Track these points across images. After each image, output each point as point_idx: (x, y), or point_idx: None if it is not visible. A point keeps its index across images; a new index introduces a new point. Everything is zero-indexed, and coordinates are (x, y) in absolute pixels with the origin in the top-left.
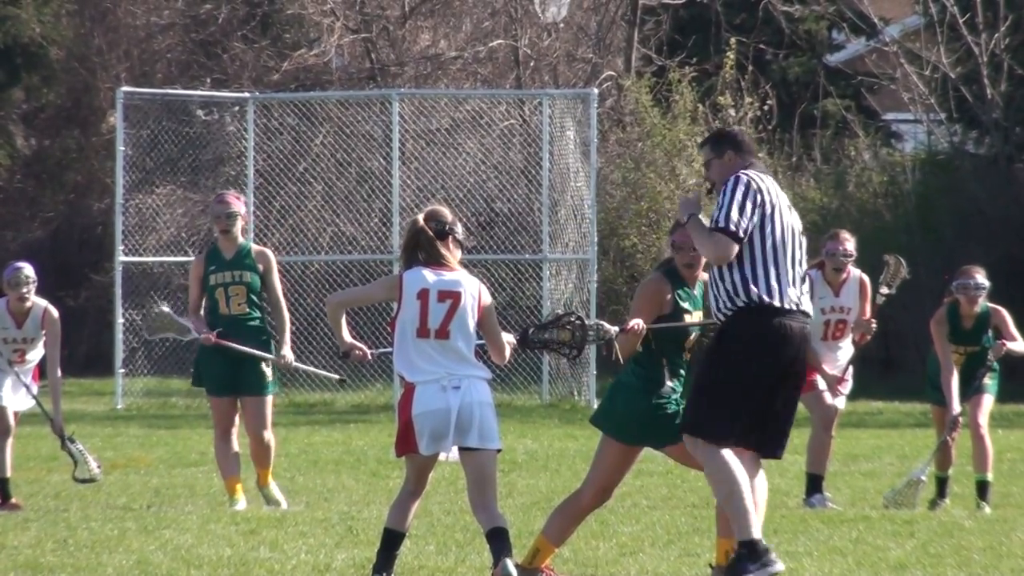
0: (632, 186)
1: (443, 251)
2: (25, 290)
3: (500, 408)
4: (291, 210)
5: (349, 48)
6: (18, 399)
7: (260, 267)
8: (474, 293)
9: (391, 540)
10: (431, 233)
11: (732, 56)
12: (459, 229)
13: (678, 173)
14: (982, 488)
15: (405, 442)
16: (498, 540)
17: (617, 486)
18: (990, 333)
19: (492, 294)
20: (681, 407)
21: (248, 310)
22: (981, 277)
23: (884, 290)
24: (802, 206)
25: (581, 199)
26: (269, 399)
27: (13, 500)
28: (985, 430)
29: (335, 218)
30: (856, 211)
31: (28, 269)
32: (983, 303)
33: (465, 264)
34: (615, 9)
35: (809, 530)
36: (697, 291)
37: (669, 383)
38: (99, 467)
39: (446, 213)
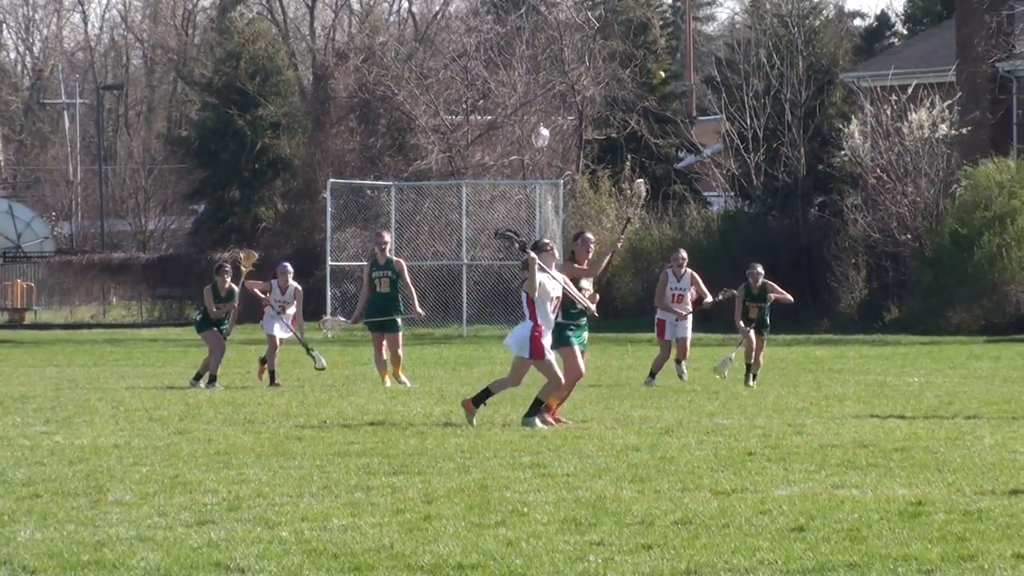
0: (577, 229)
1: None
2: (287, 276)
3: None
4: (411, 239)
5: (443, 159)
6: (281, 331)
7: (396, 268)
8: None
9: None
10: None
11: (628, 164)
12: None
13: (602, 223)
14: (749, 370)
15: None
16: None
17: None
18: (769, 297)
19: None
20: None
21: (389, 290)
22: (760, 268)
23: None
24: (664, 238)
25: (555, 236)
26: (400, 334)
27: (277, 381)
28: (762, 346)
29: (434, 243)
30: (689, 240)
31: (288, 266)
32: (762, 281)
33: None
34: (570, 141)
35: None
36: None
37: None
38: (325, 363)
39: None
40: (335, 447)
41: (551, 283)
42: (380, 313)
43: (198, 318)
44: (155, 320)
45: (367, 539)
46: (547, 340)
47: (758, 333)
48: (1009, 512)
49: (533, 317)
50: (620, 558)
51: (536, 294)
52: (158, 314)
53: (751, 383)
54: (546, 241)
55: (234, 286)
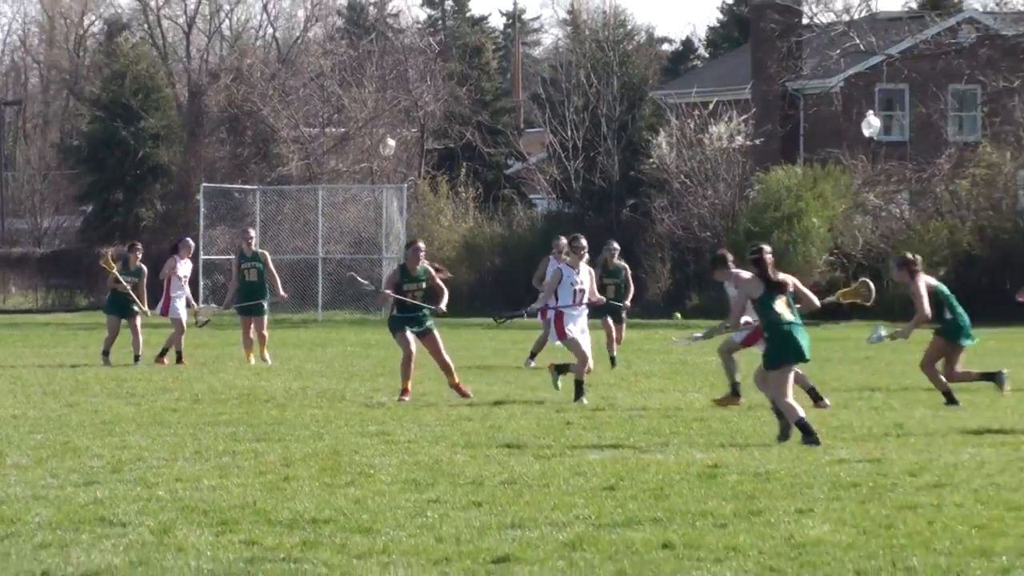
0: (419, 227)
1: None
2: (190, 250)
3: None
4: (273, 236)
5: (302, 166)
6: (184, 312)
7: (262, 259)
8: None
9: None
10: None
11: (464, 171)
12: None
13: (440, 223)
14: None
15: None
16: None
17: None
18: (621, 274)
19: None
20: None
21: (257, 279)
22: (616, 245)
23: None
24: (495, 235)
25: (399, 235)
26: (265, 318)
27: (184, 360)
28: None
29: (294, 240)
30: (516, 238)
31: (190, 240)
32: (617, 259)
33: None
34: (413, 150)
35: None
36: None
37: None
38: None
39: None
40: (206, 417)
41: (578, 276)
42: (249, 299)
43: (107, 301)
44: (48, 306)
45: (233, 497)
46: (570, 324)
47: (616, 321)
48: (793, 474)
49: (553, 307)
50: (454, 514)
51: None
52: (51, 301)
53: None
54: (581, 242)
55: (142, 265)
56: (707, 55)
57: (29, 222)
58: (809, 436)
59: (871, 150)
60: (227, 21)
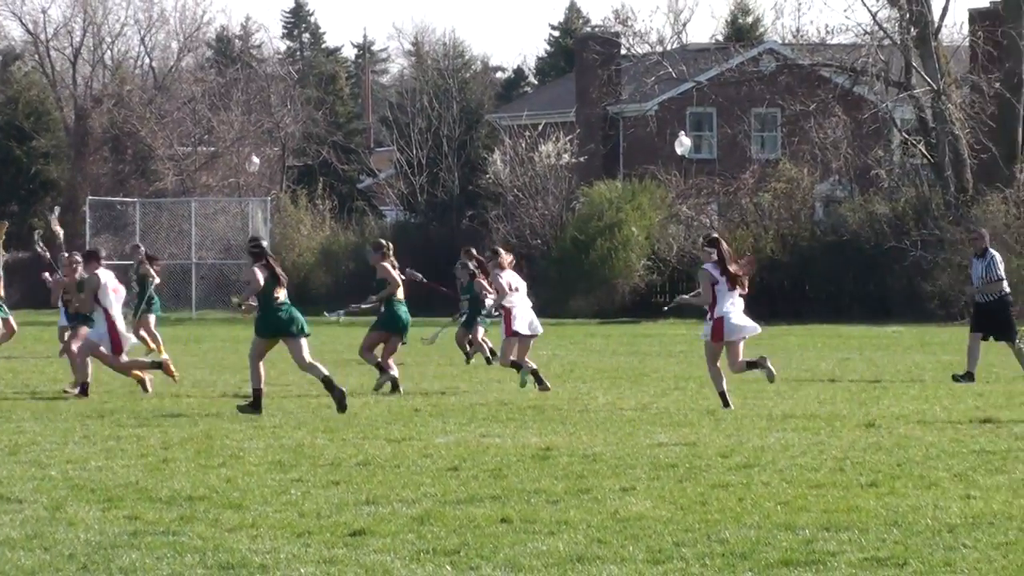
0: (282, 236)
1: None
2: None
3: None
4: (151, 244)
5: (176, 181)
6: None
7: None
8: None
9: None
10: None
11: (320, 185)
12: None
13: (300, 231)
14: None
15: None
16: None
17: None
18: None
19: None
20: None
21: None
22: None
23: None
24: (349, 243)
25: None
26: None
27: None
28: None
29: (170, 246)
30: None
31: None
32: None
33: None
34: (276, 167)
35: None
36: None
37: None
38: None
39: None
40: (92, 406)
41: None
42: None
43: None
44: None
45: (118, 477)
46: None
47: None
48: (617, 456)
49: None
50: (315, 492)
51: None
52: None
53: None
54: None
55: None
56: (536, 82)
57: None
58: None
59: (683, 167)
60: (108, 52)
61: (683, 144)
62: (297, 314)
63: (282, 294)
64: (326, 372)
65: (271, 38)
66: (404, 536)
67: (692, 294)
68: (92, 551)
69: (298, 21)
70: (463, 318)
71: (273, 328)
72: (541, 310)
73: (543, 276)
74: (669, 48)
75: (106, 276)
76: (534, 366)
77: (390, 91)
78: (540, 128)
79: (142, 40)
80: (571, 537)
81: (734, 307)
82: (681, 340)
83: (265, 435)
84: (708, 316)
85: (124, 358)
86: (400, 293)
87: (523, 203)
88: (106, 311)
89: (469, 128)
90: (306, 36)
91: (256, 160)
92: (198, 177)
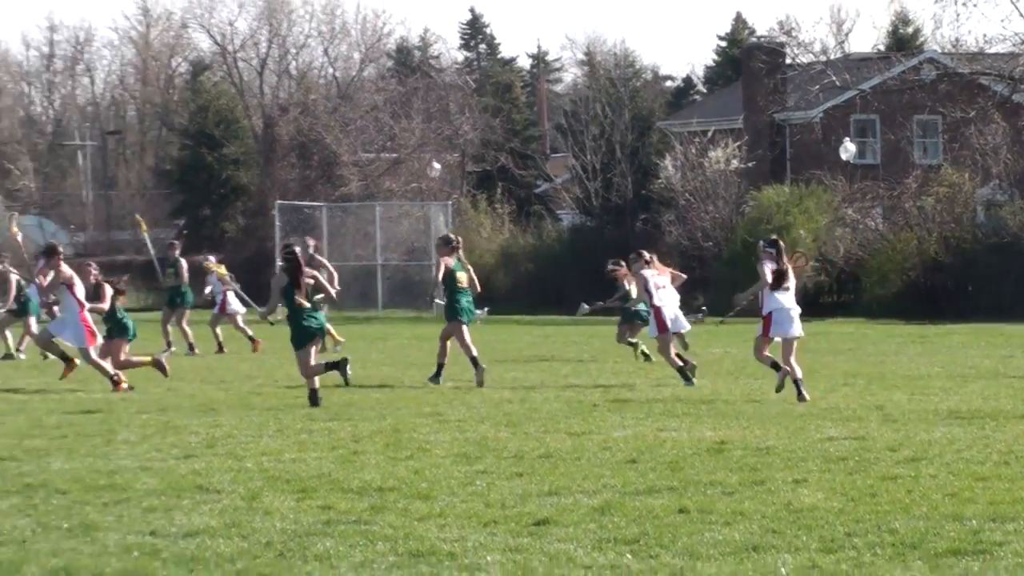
0: (463, 238)
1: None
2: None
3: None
4: (338, 246)
5: (361, 186)
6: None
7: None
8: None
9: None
10: None
11: (499, 190)
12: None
13: (480, 234)
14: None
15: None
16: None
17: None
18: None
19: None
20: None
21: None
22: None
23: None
24: (527, 245)
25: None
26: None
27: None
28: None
29: (355, 249)
30: (545, 248)
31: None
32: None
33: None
34: (456, 172)
35: None
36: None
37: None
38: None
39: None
40: (285, 400)
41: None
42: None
43: None
44: (148, 306)
45: (310, 468)
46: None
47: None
48: (789, 449)
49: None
50: (499, 483)
51: None
52: (151, 302)
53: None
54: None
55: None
56: (705, 90)
57: (130, 234)
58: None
59: (848, 172)
60: (294, 63)
61: (847, 150)
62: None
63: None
64: (317, 385)
65: (449, 49)
66: (586, 525)
67: (749, 291)
68: (288, 539)
69: (475, 32)
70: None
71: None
72: (713, 309)
73: (714, 277)
74: (832, 57)
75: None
76: (694, 363)
77: (564, 99)
78: (709, 135)
79: (325, 51)
80: (746, 527)
81: (784, 304)
82: (849, 338)
83: (451, 429)
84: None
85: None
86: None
87: (694, 207)
88: (81, 304)
89: (641, 135)
90: (483, 47)
91: (437, 166)
92: (382, 182)
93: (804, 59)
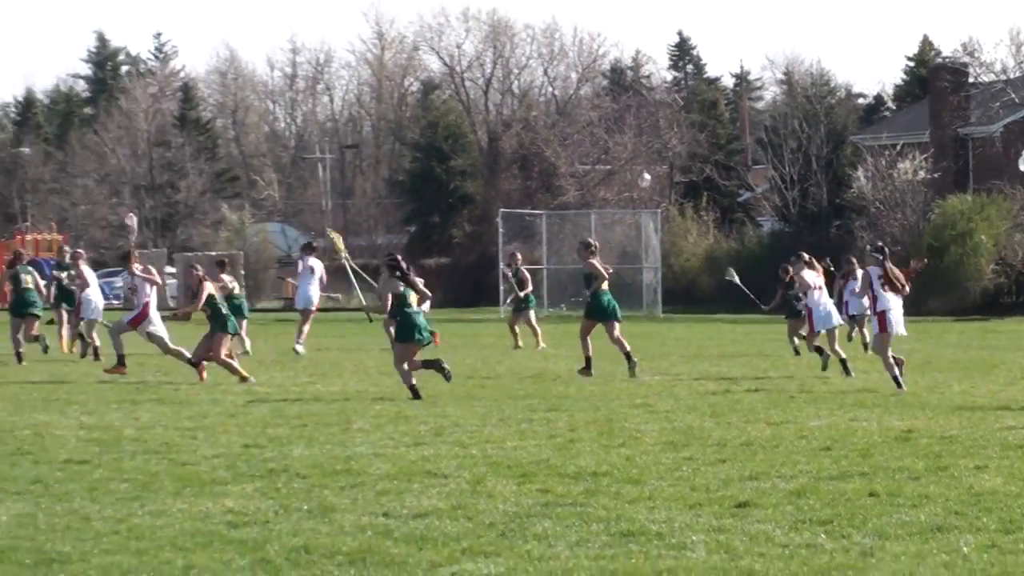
0: (671, 243)
1: None
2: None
3: None
4: (556, 251)
5: (577, 196)
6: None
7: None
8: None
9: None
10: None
11: (704, 199)
12: None
13: (687, 239)
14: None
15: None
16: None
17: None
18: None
19: None
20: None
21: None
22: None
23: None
24: (730, 249)
25: (655, 250)
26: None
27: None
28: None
29: (572, 254)
30: (747, 252)
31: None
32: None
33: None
34: (664, 183)
35: None
36: None
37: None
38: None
39: None
40: (507, 392)
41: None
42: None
43: None
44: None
45: (530, 455)
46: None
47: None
48: (971, 437)
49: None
50: (704, 468)
51: None
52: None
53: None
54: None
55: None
56: (894, 107)
57: (366, 239)
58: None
59: None
60: (516, 82)
61: None
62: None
63: (415, 301)
64: (413, 381)
65: (659, 69)
66: (783, 508)
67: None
68: (509, 520)
69: (682, 54)
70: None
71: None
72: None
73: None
74: (1012, 76)
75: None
76: (842, 355)
77: (764, 115)
78: (898, 148)
79: (545, 71)
80: (931, 509)
81: (895, 305)
82: None
83: (659, 419)
84: (872, 312)
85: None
86: (605, 285)
87: (884, 214)
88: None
89: (835, 148)
90: (690, 67)
91: (647, 177)
92: (597, 192)
93: (986, 78)
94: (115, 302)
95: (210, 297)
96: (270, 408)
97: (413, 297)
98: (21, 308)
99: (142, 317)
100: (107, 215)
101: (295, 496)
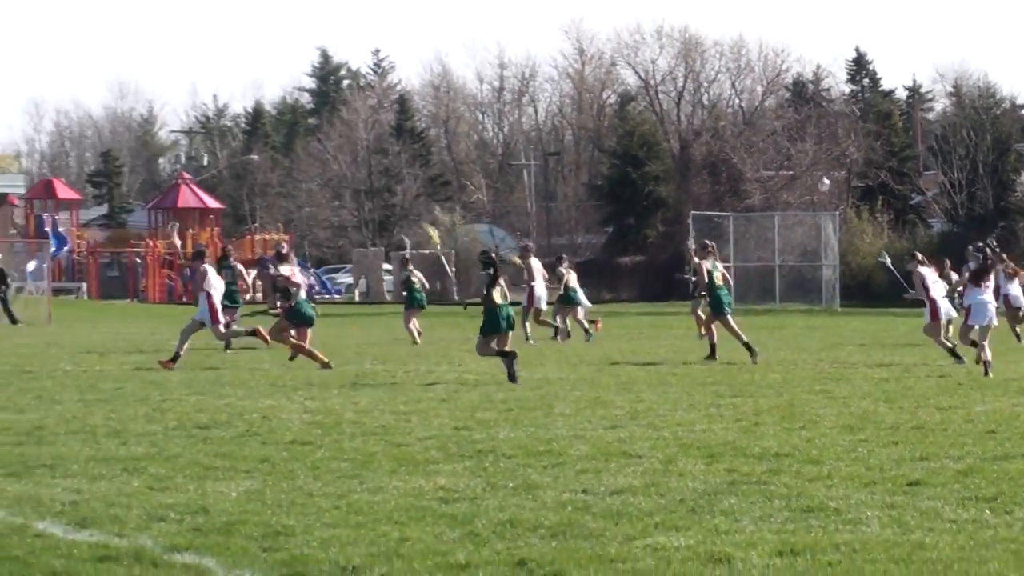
0: (848, 243)
1: None
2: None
3: None
4: (743, 249)
5: (762, 199)
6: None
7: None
8: None
9: None
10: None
11: (880, 202)
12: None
13: (863, 239)
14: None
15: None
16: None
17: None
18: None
19: None
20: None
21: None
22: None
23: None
24: (902, 248)
25: (834, 249)
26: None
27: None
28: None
29: (758, 251)
30: (920, 251)
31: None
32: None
33: None
34: (842, 187)
35: None
36: None
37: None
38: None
39: None
40: (696, 379)
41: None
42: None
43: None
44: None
45: (717, 437)
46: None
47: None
48: None
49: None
50: (878, 450)
51: None
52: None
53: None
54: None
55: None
56: None
57: (567, 239)
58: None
59: None
60: (705, 94)
61: None
62: (511, 312)
63: (499, 297)
64: (513, 357)
65: (837, 83)
66: (951, 486)
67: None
68: (698, 497)
69: (859, 68)
70: None
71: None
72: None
73: None
74: None
75: (211, 270)
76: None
77: (935, 125)
78: None
79: (732, 85)
80: None
81: (983, 298)
82: None
83: (836, 404)
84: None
85: (221, 328)
86: (720, 281)
87: None
88: (209, 295)
89: (1000, 155)
90: (866, 81)
91: (827, 182)
92: (780, 195)
93: None
94: (335, 296)
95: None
96: (479, 393)
97: (497, 292)
98: (228, 301)
99: (213, 313)
100: (329, 217)
101: (501, 474)
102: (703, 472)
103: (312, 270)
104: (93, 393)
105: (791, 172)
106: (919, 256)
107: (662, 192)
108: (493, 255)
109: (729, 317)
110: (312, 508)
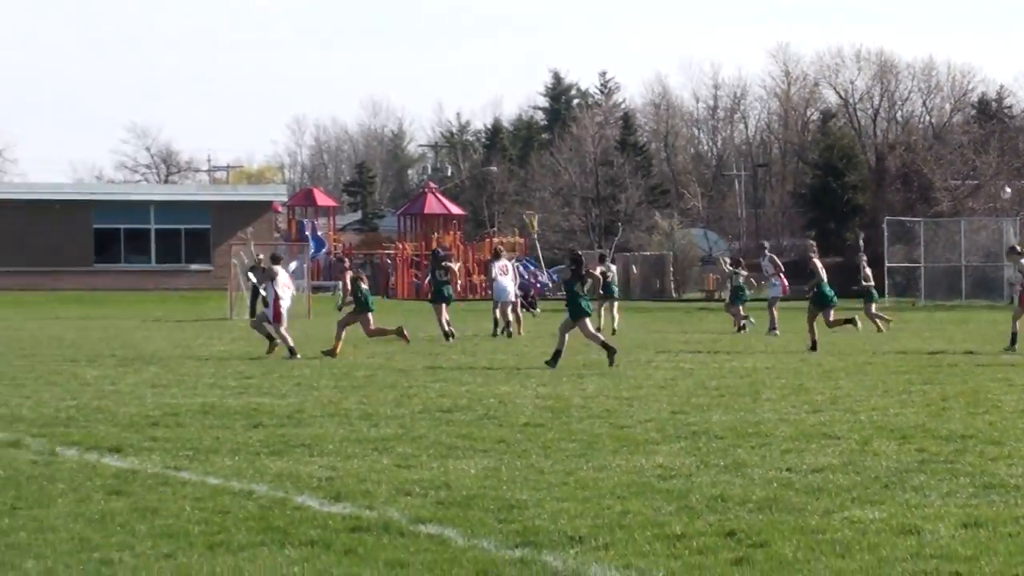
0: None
1: None
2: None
3: None
4: (934, 248)
5: (950, 206)
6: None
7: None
8: None
9: None
10: None
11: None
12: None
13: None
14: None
15: None
16: None
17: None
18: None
19: None
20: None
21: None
22: None
23: None
24: None
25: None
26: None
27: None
28: None
29: (945, 253)
30: None
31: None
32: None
33: None
34: (1022, 195)
35: None
36: None
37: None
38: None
39: None
40: (890, 368)
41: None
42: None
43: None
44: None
45: (909, 420)
46: None
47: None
48: None
49: None
50: None
51: None
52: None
53: None
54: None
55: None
56: None
57: (774, 241)
58: None
59: None
60: (899, 112)
61: None
62: (585, 304)
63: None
64: (604, 339)
65: (1019, 100)
66: None
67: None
68: (891, 474)
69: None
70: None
71: (581, 312)
72: None
73: None
74: None
75: (281, 272)
76: None
77: None
78: None
79: (924, 103)
80: None
81: None
82: None
83: (1017, 391)
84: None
85: (283, 328)
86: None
87: None
88: (276, 294)
89: None
90: None
91: (1008, 190)
92: (966, 203)
93: None
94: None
95: (355, 285)
96: (694, 381)
97: (579, 285)
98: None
99: (277, 312)
100: (560, 222)
101: (713, 454)
102: (895, 452)
103: (548, 271)
104: (347, 380)
105: (976, 181)
106: (1017, 247)
107: (859, 199)
108: (579, 253)
109: (831, 312)
110: (543, 484)
